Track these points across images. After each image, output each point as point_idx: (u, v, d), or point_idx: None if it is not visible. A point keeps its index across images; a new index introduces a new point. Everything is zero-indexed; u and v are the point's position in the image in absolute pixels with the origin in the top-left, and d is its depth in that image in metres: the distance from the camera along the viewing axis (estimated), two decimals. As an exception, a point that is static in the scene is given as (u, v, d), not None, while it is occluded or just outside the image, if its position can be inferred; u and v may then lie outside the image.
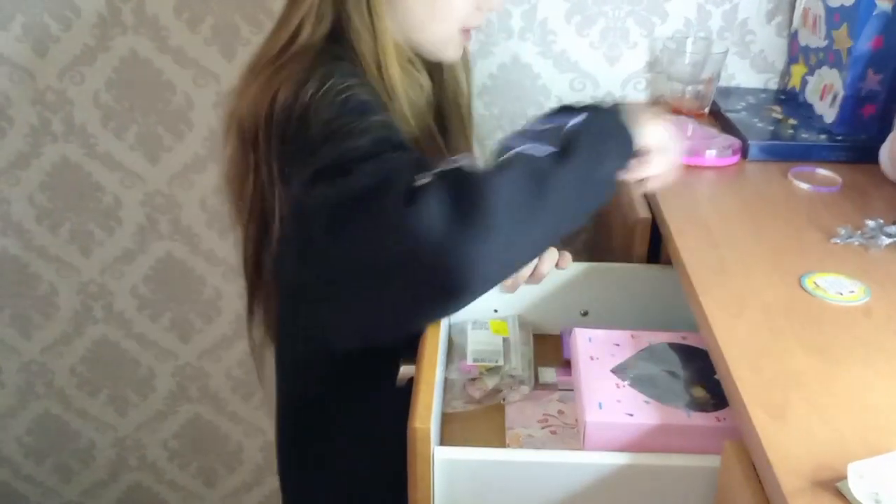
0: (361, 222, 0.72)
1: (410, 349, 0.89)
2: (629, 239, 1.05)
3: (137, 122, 1.42)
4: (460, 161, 0.74)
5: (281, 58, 0.90)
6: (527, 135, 0.78)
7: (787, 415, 0.65)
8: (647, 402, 0.79)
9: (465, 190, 0.70)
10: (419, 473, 0.74)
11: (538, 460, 0.76)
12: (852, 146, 1.14)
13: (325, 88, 0.82)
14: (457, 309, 0.78)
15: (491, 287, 0.74)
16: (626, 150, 0.81)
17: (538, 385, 0.94)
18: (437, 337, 0.85)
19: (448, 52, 1.01)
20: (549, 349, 1.00)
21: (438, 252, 0.68)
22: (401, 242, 0.69)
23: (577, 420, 0.86)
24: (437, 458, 0.74)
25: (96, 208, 1.49)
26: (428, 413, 0.74)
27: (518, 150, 0.75)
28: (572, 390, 0.90)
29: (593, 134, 0.78)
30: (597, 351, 0.88)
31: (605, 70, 1.36)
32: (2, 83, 1.38)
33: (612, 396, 0.80)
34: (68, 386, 1.67)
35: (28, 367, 1.65)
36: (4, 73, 1.37)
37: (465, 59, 1.11)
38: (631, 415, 0.78)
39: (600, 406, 0.79)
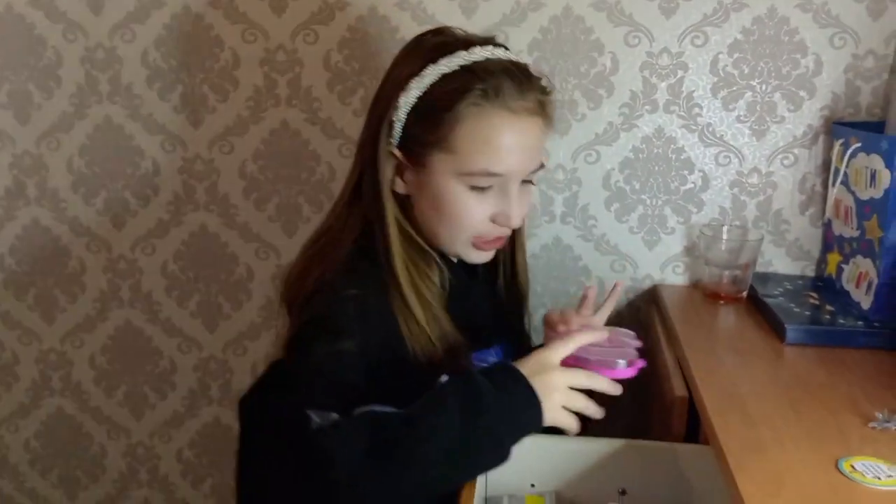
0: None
1: None
2: (667, 417, 1.06)
3: (200, 291, 1.50)
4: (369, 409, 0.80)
5: (318, 243, 1.02)
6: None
7: None
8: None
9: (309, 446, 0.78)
10: None
11: None
12: (891, 333, 1.15)
13: (329, 290, 0.94)
14: None
15: None
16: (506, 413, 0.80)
17: (574, 563, 0.92)
18: (472, 510, 0.86)
19: (468, 255, 1.03)
20: (587, 527, 0.99)
21: None
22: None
23: None
24: None
25: (152, 371, 1.55)
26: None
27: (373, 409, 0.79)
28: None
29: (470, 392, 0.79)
30: None
31: (644, 253, 1.42)
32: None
33: None
34: None
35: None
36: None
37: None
38: None
39: None
